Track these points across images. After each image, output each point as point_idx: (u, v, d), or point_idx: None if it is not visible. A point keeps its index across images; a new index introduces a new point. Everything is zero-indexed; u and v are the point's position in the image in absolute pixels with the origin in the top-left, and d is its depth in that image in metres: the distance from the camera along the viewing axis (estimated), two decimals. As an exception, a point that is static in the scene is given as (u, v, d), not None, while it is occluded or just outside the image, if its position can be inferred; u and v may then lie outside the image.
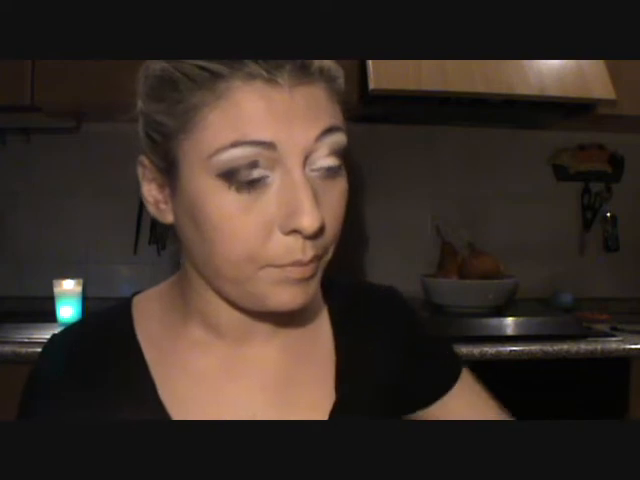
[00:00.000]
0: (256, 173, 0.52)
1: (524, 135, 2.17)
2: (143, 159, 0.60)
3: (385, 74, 1.64)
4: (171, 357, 0.63)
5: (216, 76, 0.52)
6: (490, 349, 1.56)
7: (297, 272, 0.55)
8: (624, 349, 1.62)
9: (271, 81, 0.52)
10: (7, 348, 1.49)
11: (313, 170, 0.55)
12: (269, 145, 0.52)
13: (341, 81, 0.58)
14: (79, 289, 1.82)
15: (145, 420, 0.58)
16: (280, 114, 0.52)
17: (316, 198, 0.53)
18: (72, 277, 1.82)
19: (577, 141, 2.21)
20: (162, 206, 0.60)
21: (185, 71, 0.53)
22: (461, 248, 1.97)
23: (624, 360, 1.62)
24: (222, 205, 0.53)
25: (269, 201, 0.53)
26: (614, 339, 1.66)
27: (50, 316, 1.78)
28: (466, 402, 0.72)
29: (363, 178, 2.09)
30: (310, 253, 0.54)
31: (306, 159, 0.54)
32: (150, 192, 0.60)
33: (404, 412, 0.71)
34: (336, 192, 0.57)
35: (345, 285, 0.73)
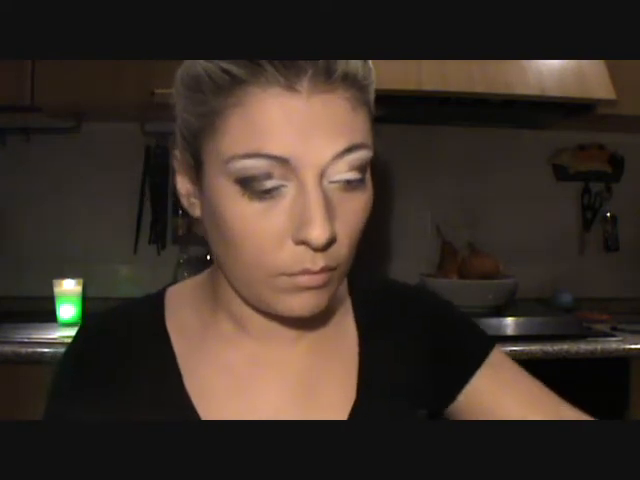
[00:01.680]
0: (270, 184, 0.52)
1: (524, 135, 2.17)
2: (177, 153, 0.60)
3: (385, 74, 1.64)
4: (199, 349, 0.64)
5: (236, 80, 0.51)
6: (490, 349, 1.56)
7: (307, 280, 0.55)
8: (624, 349, 1.62)
9: (289, 88, 0.51)
10: (7, 348, 1.49)
11: (331, 182, 0.54)
12: (283, 160, 0.51)
13: (371, 89, 0.57)
14: (79, 289, 1.82)
15: (167, 420, 0.58)
16: (296, 126, 0.51)
17: (330, 210, 0.53)
18: (72, 277, 1.82)
19: (577, 141, 2.21)
20: (193, 200, 0.60)
21: (210, 72, 0.53)
22: (461, 248, 1.97)
23: (624, 360, 1.62)
24: (237, 210, 0.53)
25: (283, 211, 0.53)
26: (614, 339, 1.66)
27: (50, 316, 1.78)
28: (497, 384, 0.71)
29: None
30: (320, 263, 0.54)
31: (323, 173, 0.53)
32: (183, 185, 0.60)
33: (432, 410, 0.69)
34: (355, 204, 0.56)
35: (371, 283, 0.73)
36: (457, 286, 1.84)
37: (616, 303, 2.15)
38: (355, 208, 0.57)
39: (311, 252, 0.54)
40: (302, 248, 0.53)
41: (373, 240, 2.48)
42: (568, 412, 0.66)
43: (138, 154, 2.03)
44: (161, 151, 2.04)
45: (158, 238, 2.06)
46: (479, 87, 1.67)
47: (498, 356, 0.75)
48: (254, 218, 0.53)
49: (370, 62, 0.57)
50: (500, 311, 1.78)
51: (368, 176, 0.58)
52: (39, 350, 1.47)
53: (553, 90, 1.70)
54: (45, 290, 1.83)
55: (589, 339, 1.64)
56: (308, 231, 0.52)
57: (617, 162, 2.23)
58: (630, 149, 2.22)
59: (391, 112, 1.94)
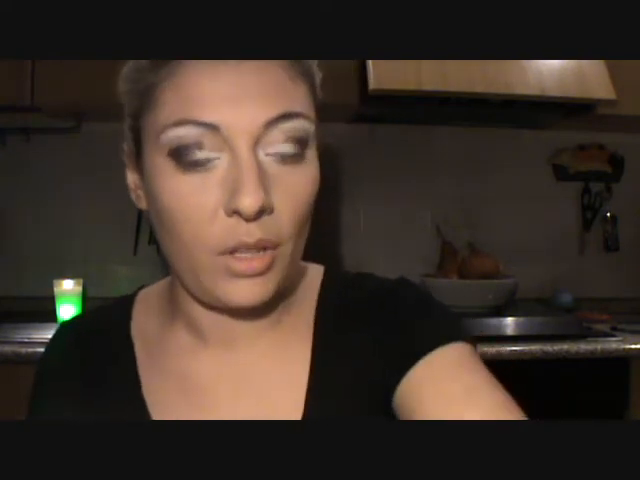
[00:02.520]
0: (201, 154, 0.51)
1: (524, 135, 2.17)
2: (124, 146, 0.60)
3: (385, 74, 1.64)
4: (158, 357, 0.63)
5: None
6: (490, 349, 1.56)
7: (243, 265, 0.52)
8: (624, 349, 1.62)
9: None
10: (7, 348, 1.49)
11: (268, 154, 0.52)
12: (212, 127, 0.50)
13: (312, 63, 0.55)
14: (79, 289, 1.82)
15: (126, 420, 0.58)
16: (226, 93, 0.50)
17: (265, 180, 0.51)
18: (72, 277, 1.82)
19: (577, 141, 2.21)
20: (139, 192, 0.59)
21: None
22: (461, 248, 1.97)
23: (624, 360, 1.62)
24: (171, 185, 0.52)
25: (216, 183, 0.52)
26: (614, 339, 1.66)
27: (50, 316, 1.78)
28: (425, 380, 0.57)
29: (363, 178, 2.09)
30: (256, 235, 0.52)
31: (257, 142, 0.51)
32: (131, 178, 0.60)
33: (387, 407, 0.60)
34: (296, 178, 0.54)
35: (344, 279, 0.67)
36: (457, 286, 1.84)
37: (616, 303, 2.15)
38: (295, 181, 0.54)
39: (244, 224, 0.51)
40: (235, 220, 0.52)
41: (373, 240, 2.48)
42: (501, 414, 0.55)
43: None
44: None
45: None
46: (479, 87, 1.68)
47: (452, 352, 0.59)
48: (187, 192, 0.52)
49: None
50: (500, 311, 1.78)
51: (312, 152, 0.56)
52: (39, 350, 1.45)
53: (553, 90, 1.70)
54: (45, 290, 1.83)
55: (589, 339, 1.64)
56: (239, 198, 0.50)
57: (617, 162, 2.23)
58: (630, 149, 2.22)
59: (391, 112, 1.94)
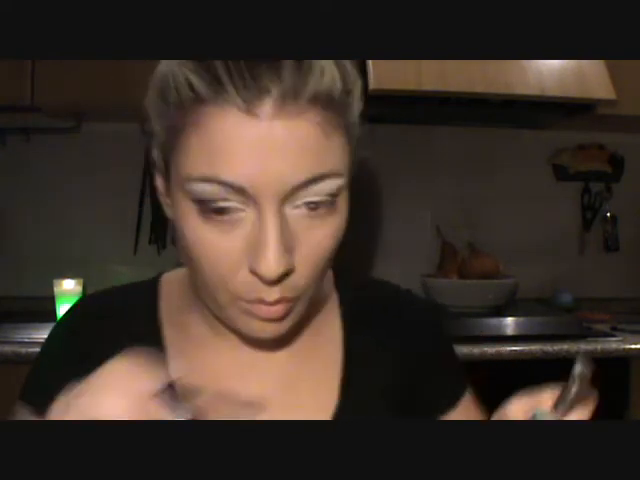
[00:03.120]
0: (226, 204, 0.50)
1: (524, 135, 2.17)
2: (154, 152, 0.58)
3: (385, 74, 1.64)
4: (184, 343, 0.63)
5: (198, 98, 0.49)
6: (490, 349, 1.56)
7: (263, 312, 0.53)
8: (624, 349, 1.62)
9: (248, 112, 0.48)
10: (7, 348, 1.49)
11: (296, 207, 0.51)
12: (238, 188, 0.49)
13: (352, 109, 0.53)
14: (79, 289, 1.82)
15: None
16: (254, 153, 0.48)
17: (290, 240, 0.50)
18: (72, 277, 1.82)
19: (577, 141, 2.21)
20: (168, 201, 0.58)
21: (177, 83, 0.50)
22: (461, 248, 1.97)
23: (624, 360, 1.62)
24: (196, 230, 0.51)
25: (240, 236, 0.51)
26: (614, 339, 1.66)
27: (50, 316, 1.77)
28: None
29: (363, 178, 2.09)
30: (275, 295, 0.52)
31: (284, 202, 0.50)
32: (161, 184, 0.58)
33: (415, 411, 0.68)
34: (322, 231, 0.52)
35: (363, 284, 0.71)
36: (457, 286, 1.84)
37: (616, 303, 2.15)
38: (321, 236, 0.52)
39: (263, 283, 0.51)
40: (256, 278, 0.51)
41: (373, 240, 2.48)
42: None
43: (138, 154, 2.03)
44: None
45: (158, 238, 2.06)
46: (479, 87, 1.67)
47: (469, 397, 0.71)
48: (211, 240, 0.51)
49: (355, 73, 0.53)
50: (500, 311, 1.78)
51: (342, 199, 0.54)
52: (39, 350, 1.47)
53: (553, 90, 1.70)
54: (45, 290, 1.83)
55: (589, 339, 1.64)
56: (260, 263, 0.49)
57: (617, 162, 2.23)
58: (630, 149, 2.22)
59: (391, 112, 1.94)
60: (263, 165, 0.48)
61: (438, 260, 1.99)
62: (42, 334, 1.65)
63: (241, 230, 0.51)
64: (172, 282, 0.68)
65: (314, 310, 0.65)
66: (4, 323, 1.72)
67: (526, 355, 1.57)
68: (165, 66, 0.53)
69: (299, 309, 0.56)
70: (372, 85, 1.63)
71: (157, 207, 2.05)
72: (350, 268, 0.67)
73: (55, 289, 1.80)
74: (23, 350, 1.48)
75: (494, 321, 1.68)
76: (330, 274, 0.68)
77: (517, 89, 1.69)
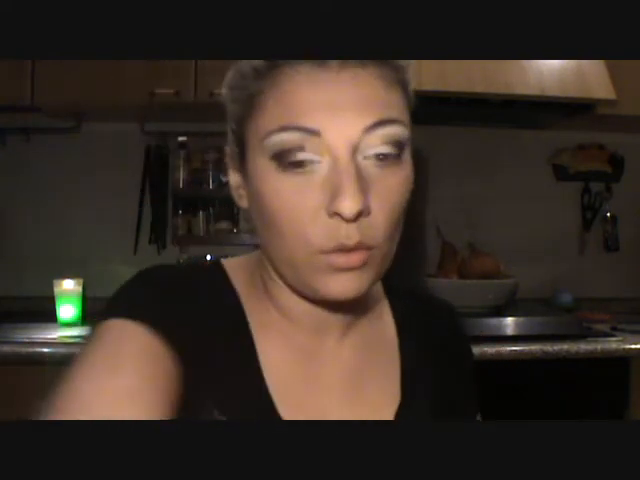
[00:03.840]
0: (303, 156, 0.53)
1: (524, 135, 2.17)
2: (227, 149, 0.62)
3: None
4: (262, 328, 0.63)
5: (273, 64, 0.54)
6: (490, 349, 1.56)
7: (343, 260, 0.55)
8: (624, 349, 1.62)
9: (319, 63, 0.53)
10: (7, 348, 1.49)
11: (366, 157, 0.55)
12: (314, 132, 0.53)
13: (408, 70, 0.58)
14: (79, 289, 1.82)
15: (203, 421, 0.57)
16: (326, 100, 0.53)
17: (363, 184, 0.54)
18: (72, 277, 1.82)
19: (577, 141, 2.21)
20: (241, 191, 0.61)
21: (252, 62, 0.55)
22: (461, 248, 1.97)
23: (624, 360, 1.62)
24: (275, 185, 0.55)
25: (317, 185, 0.54)
26: (614, 339, 1.66)
27: (50, 316, 1.78)
28: None
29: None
30: (355, 238, 0.54)
31: (356, 148, 0.54)
32: (234, 178, 0.62)
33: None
34: (390, 181, 0.56)
35: (405, 290, 0.75)
36: (457, 286, 1.84)
37: (616, 303, 2.15)
38: (391, 184, 0.56)
39: (345, 225, 0.54)
40: (335, 222, 0.54)
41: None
42: None
43: (138, 154, 2.03)
44: (161, 151, 2.04)
45: (158, 238, 2.06)
46: (479, 87, 1.68)
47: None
48: (290, 192, 0.54)
49: None
50: (500, 311, 1.78)
51: (407, 155, 0.58)
52: (39, 350, 1.47)
53: (553, 90, 1.70)
54: (45, 290, 1.83)
55: (589, 339, 1.64)
56: (340, 201, 0.52)
57: (617, 162, 2.23)
58: (630, 149, 2.22)
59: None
60: (335, 110, 0.53)
61: (438, 260, 1.99)
62: (42, 334, 1.66)
63: (318, 179, 0.54)
64: (234, 267, 0.67)
65: (371, 308, 0.68)
66: (4, 323, 1.72)
67: (526, 355, 1.57)
68: (239, 61, 0.57)
69: (374, 266, 0.57)
70: (372, 85, 1.63)
71: (157, 207, 2.06)
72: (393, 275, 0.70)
73: (55, 289, 1.80)
74: (23, 350, 1.48)
75: (494, 321, 1.69)
76: (379, 282, 0.71)
77: (517, 89, 1.69)
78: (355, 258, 0.55)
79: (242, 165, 0.59)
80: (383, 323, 0.70)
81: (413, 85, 0.59)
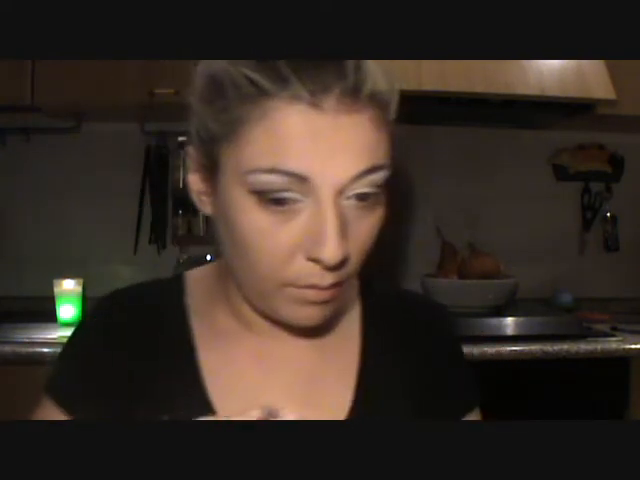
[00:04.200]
0: (286, 195, 0.52)
1: (524, 135, 2.17)
2: (190, 150, 0.59)
3: (385, 74, 1.64)
4: (209, 334, 0.65)
5: (262, 92, 0.51)
6: (490, 349, 1.56)
7: (314, 295, 0.55)
8: (624, 349, 1.62)
9: (315, 106, 0.51)
10: (7, 348, 1.49)
11: (348, 198, 0.54)
12: (302, 178, 0.51)
13: (393, 107, 0.56)
14: (79, 289, 1.82)
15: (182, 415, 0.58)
16: (320, 145, 0.51)
17: (345, 229, 0.53)
18: (72, 277, 1.82)
19: (577, 141, 2.21)
20: (203, 198, 0.59)
21: (234, 79, 0.52)
22: (461, 248, 1.97)
23: (624, 360, 1.62)
24: (252, 218, 0.53)
25: (297, 225, 0.53)
26: (614, 339, 1.66)
27: (50, 316, 1.78)
28: None
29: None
30: (329, 280, 0.54)
31: (342, 191, 0.53)
32: (194, 182, 0.59)
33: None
34: (369, 220, 0.56)
35: (384, 289, 0.73)
36: (457, 286, 1.84)
37: (616, 303, 2.15)
38: (369, 225, 0.56)
39: (319, 269, 0.53)
40: (312, 265, 0.53)
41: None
42: None
43: (138, 154, 2.03)
44: (161, 151, 2.04)
45: (158, 238, 2.06)
46: (479, 87, 1.67)
47: (477, 413, 0.73)
48: (268, 230, 0.53)
49: (393, 73, 0.56)
50: (500, 311, 1.78)
51: (385, 191, 0.58)
52: (39, 350, 1.47)
53: (553, 90, 1.70)
54: (45, 290, 1.82)
55: (589, 339, 1.64)
56: (321, 250, 0.52)
57: (617, 162, 2.23)
58: (630, 149, 2.22)
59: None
60: (328, 156, 0.51)
61: (438, 260, 1.99)
62: (42, 334, 1.66)
63: (299, 220, 0.53)
64: (197, 279, 0.70)
65: (340, 311, 0.67)
66: (4, 323, 1.72)
67: (526, 355, 1.57)
68: (213, 65, 0.54)
69: (342, 295, 0.58)
70: (372, 85, 1.63)
71: (157, 207, 2.05)
72: (377, 276, 0.70)
73: (55, 289, 1.80)
74: (23, 350, 1.48)
75: (494, 321, 1.68)
76: (356, 282, 0.70)
77: (517, 89, 1.69)
78: (327, 294, 0.55)
79: (211, 178, 0.57)
80: (348, 323, 0.68)
81: (395, 108, 0.58)
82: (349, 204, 0.54)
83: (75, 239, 2.03)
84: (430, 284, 1.86)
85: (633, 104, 1.81)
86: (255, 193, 0.52)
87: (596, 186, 2.23)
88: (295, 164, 0.51)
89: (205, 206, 0.59)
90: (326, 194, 0.52)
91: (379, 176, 0.54)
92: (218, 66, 0.53)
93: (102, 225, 2.04)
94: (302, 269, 0.54)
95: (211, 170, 0.56)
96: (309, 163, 0.51)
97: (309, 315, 0.57)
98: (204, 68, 0.55)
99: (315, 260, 0.53)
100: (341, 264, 0.53)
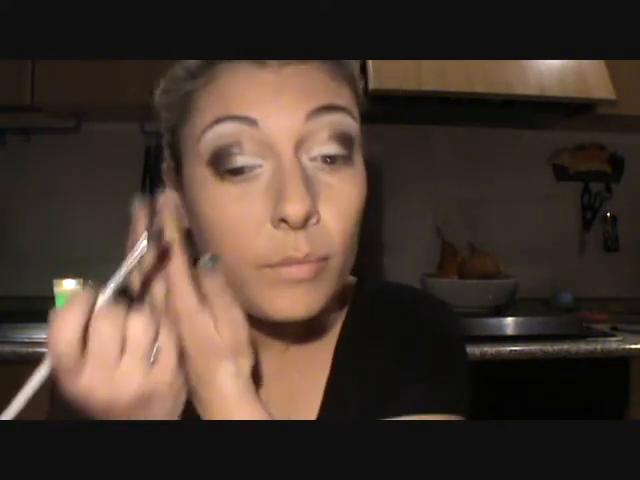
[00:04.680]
0: (242, 160, 0.49)
1: (524, 135, 2.17)
2: (164, 166, 0.58)
3: (385, 74, 1.64)
4: None
5: (208, 63, 0.51)
6: (490, 349, 1.56)
7: (292, 272, 0.50)
8: (624, 349, 1.62)
9: (259, 63, 0.50)
10: (7, 348, 1.49)
11: (312, 159, 0.50)
12: (251, 121, 0.48)
13: (353, 67, 0.54)
14: (79, 289, 1.81)
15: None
16: (266, 92, 0.49)
17: (311, 187, 0.49)
18: (72, 277, 1.82)
19: (577, 141, 2.21)
20: (181, 210, 0.56)
21: (184, 63, 0.52)
22: (461, 248, 1.97)
23: (624, 360, 1.62)
24: (212, 195, 0.51)
25: (259, 192, 0.50)
26: (614, 339, 1.66)
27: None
28: None
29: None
30: (304, 249, 0.49)
31: (300, 144, 0.49)
32: (171, 197, 0.56)
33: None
34: (343, 185, 0.51)
35: (377, 289, 0.67)
36: (457, 286, 1.84)
37: (616, 303, 2.15)
38: (341, 190, 0.51)
39: (292, 235, 0.49)
40: (282, 232, 0.49)
41: (373, 240, 2.48)
42: None
43: (138, 154, 2.03)
44: (161, 151, 2.03)
45: (158, 238, 2.05)
46: (479, 87, 1.67)
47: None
48: (229, 202, 0.50)
49: None
50: (500, 311, 1.78)
51: (358, 157, 0.54)
52: (39, 350, 1.47)
53: (553, 90, 1.70)
54: (45, 290, 1.82)
55: (589, 339, 1.64)
56: (284, 206, 0.48)
57: (617, 162, 2.23)
58: (630, 149, 2.22)
59: (391, 112, 1.94)
60: (276, 102, 0.49)
61: (438, 260, 1.99)
62: (42, 334, 1.65)
63: (260, 186, 0.50)
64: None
65: (321, 321, 0.61)
66: (4, 323, 1.72)
67: (526, 355, 1.57)
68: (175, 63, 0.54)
69: (329, 278, 0.52)
70: (372, 85, 1.63)
71: (157, 207, 2.05)
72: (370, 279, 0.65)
73: (55, 289, 1.80)
74: (23, 350, 1.48)
75: (494, 321, 1.68)
76: (351, 284, 0.65)
77: (517, 89, 1.69)
78: (306, 269, 0.50)
79: (179, 181, 0.55)
80: (331, 334, 0.62)
81: (360, 85, 0.56)
82: (315, 166, 0.50)
83: (75, 239, 2.03)
84: (430, 284, 1.86)
85: (633, 104, 1.81)
86: (210, 164, 0.50)
87: (596, 186, 2.23)
88: (240, 107, 0.49)
89: (183, 220, 0.55)
90: (282, 144, 0.49)
91: (340, 119, 0.51)
92: (177, 63, 0.54)
93: (102, 225, 2.03)
94: (272, 240, 0.49)
95: (177, 169, 0.55)
96: (255, 106, 0.49)
97: (292, 302, 0.51)
98: (169, 71, 0.55)
99: (282, 220, 0.48)
100: (308, 220, 0.49)
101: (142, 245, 0.48)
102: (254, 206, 0.50)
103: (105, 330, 0.45)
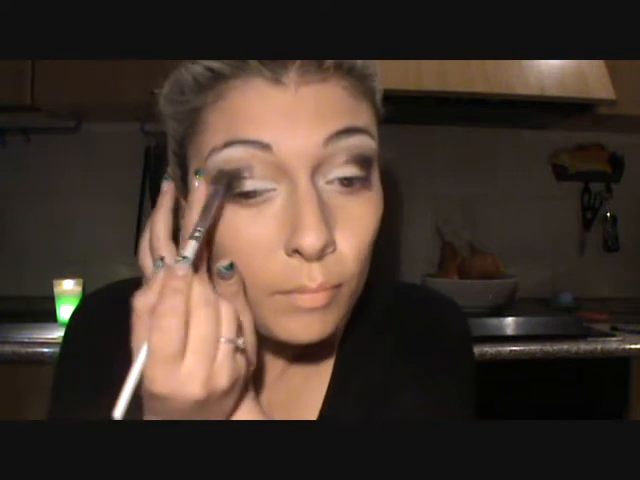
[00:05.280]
0: (252, 184, 0.47)
1: (524, 135, 2.17)
2: (169, 169, 0.55)
3: (385, 74, 1.64)
4: None
5: (218, 76, 0.48)
6: (490, 349, 1.56)
7: (305, 300, 0.48)
8: (624, 349, 1.62)
9: (275, 81, 0.47)
10: (7, 348, 1.49)
11: (329, 182, 0.48)
12: (263, 145, 0.46)
13: (374, 79, 0.52)
14: (79, 289, 1.82)
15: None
16: (281, 114, 0.46)
17: (327, 214, 0.47)
18: (72, 277, 1.82)
19: (577, 141, 2.21)
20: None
21: (192, 72, 0.49)
22: (461, 248, 1.97)
23: (624, 360, 1.62)
24: (224, 219, 0.48)
25: (272, 218, 0.47)
26: (614, 339, 1.66)
27: (50, 316, 1.78)
28: None
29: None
30: (318, 279, 0.47)
31: (317, 168, 0.47)
32: (182, 204, 0.54)
33: None
34: (361, 209, 0.49)
35: (393, 288, 0.66)
36: (457, 286, 1.84)
37: (616, 303, 2.15)
38: (360, 214, 0.49)
39: (306, 265, 0.47)
40: (296, 261, 0.47)
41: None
42: None
43: (138, 154, 2.03)
44: (161, 151, 2.04)
45: (158, 238, 2.05)
46: (479, 87, 1.67)
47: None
48: (240, 224, 0.47)
49: None
50: (500, 311, 1.78)
51: (375, 176, 0.51)
52: (39, 350, 1.47)
53: (553, 90, 1.70)
54: (45, 290, 1.82)
55: (589, 339, 1.64)
56: (300, 237, 0.45)
57: (617, 162, 2.23)
58: (630, 149, 2.22)
59: (391, 112, 1.94)
60: (292, 125, 0.46)
61: (438, 260, 1.99)
62: (42, 334, 1.66)
63: (273, 210, 0.47)
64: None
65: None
66: (4, 323, 1.72)
67: (526, 355, 1.57)
68: (180, 67, 0.52)
69: (342, 304, 0.50)
70: (372, 85, 1.63)
71: (157, 207, 2.05)
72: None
73: (55, 289, 1.80)
74: (23, 350, 1.48)
75: (494, 321, 1.68)
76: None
77: (517, 89, 1.69)
78: (319, 297, 0.48)
79: (185, 190, 0.52)
80: (335, 335, 0.60)
81: (380, 95, 0.54)
82: (331, 189, 0.48)
83: (75, 239, 2.03)
84: (430, 284, 1.86)
85: (633, 104, 1.81)
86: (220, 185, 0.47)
87: (596, 186, 2.23)
88: (252, 131, 0.46)
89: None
90: (297, 169, 0.46)
91: (360, 142, 0.48)
92: (183, 66, 0.51)
93: (102, 225, 2.04)
94: (285, 268, 0.47)
95: (183, 180, 0.52)
96: (269, 129, 0.46)
97: (305, 327, 0.49)
98: (173, 73, 0.52)
99: (296, 251, 0.46)
100: (324, 251, 0.47)
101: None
102: (267, 230, 0.47)
103: (206, 316, 0.43)
